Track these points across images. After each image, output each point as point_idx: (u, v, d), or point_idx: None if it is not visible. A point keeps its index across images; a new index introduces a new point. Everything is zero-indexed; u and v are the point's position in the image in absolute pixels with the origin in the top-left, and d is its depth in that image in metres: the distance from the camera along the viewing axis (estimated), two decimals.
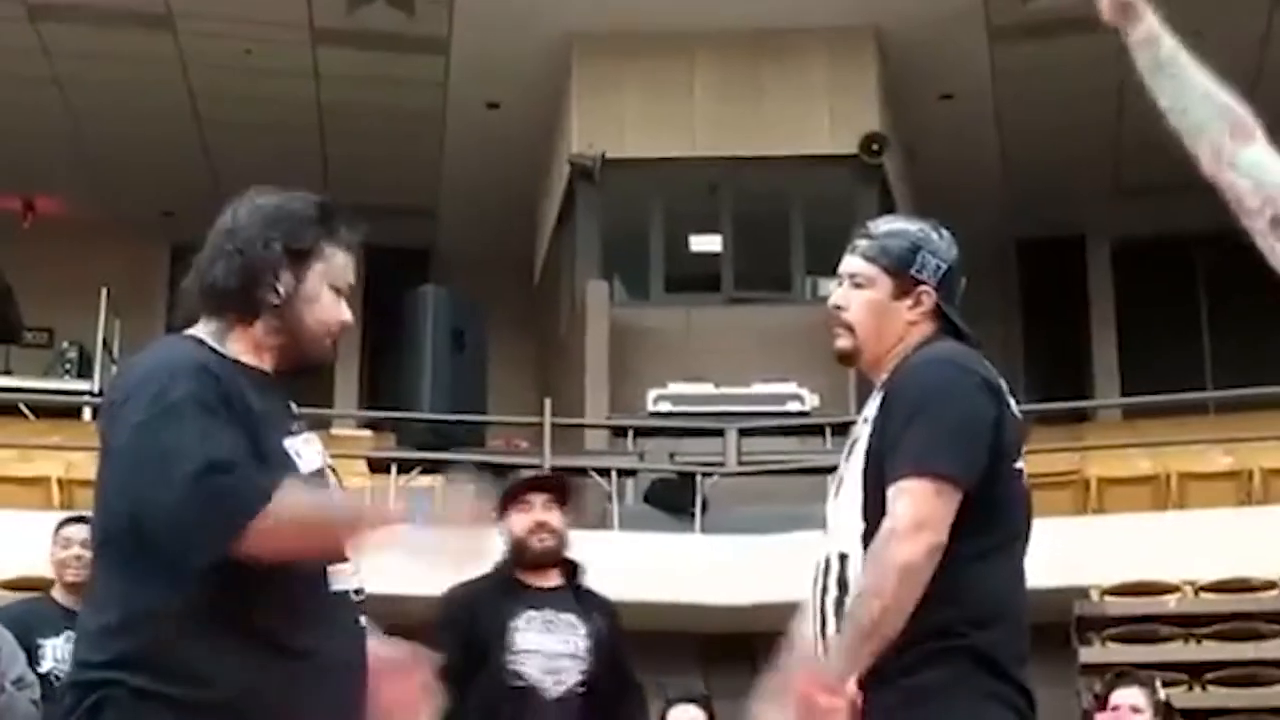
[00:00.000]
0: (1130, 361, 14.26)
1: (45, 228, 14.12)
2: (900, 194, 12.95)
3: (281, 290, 2.12)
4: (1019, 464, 2.36)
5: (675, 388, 11.10)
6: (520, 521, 3.89)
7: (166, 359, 2.11)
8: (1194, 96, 2.18)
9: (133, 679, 2.00)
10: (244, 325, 2.13)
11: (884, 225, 2.48)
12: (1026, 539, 2.37)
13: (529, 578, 3.89)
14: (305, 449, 2.15)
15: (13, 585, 8.59)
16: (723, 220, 12.62)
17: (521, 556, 3.90)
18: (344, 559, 2.11)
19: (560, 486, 3.97)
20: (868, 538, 2.29)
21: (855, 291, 2.43)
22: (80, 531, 4.91)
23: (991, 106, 13.06)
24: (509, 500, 3.91)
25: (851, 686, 2.20)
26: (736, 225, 12.58)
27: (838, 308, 2.44)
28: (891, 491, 2.25)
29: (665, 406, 10.94)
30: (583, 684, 3.76)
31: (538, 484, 3.98)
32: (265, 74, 12.59)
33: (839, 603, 2.31)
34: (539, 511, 3.90)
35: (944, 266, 2.42)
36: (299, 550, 2.02)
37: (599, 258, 12.29)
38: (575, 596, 3.92)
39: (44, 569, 8.67)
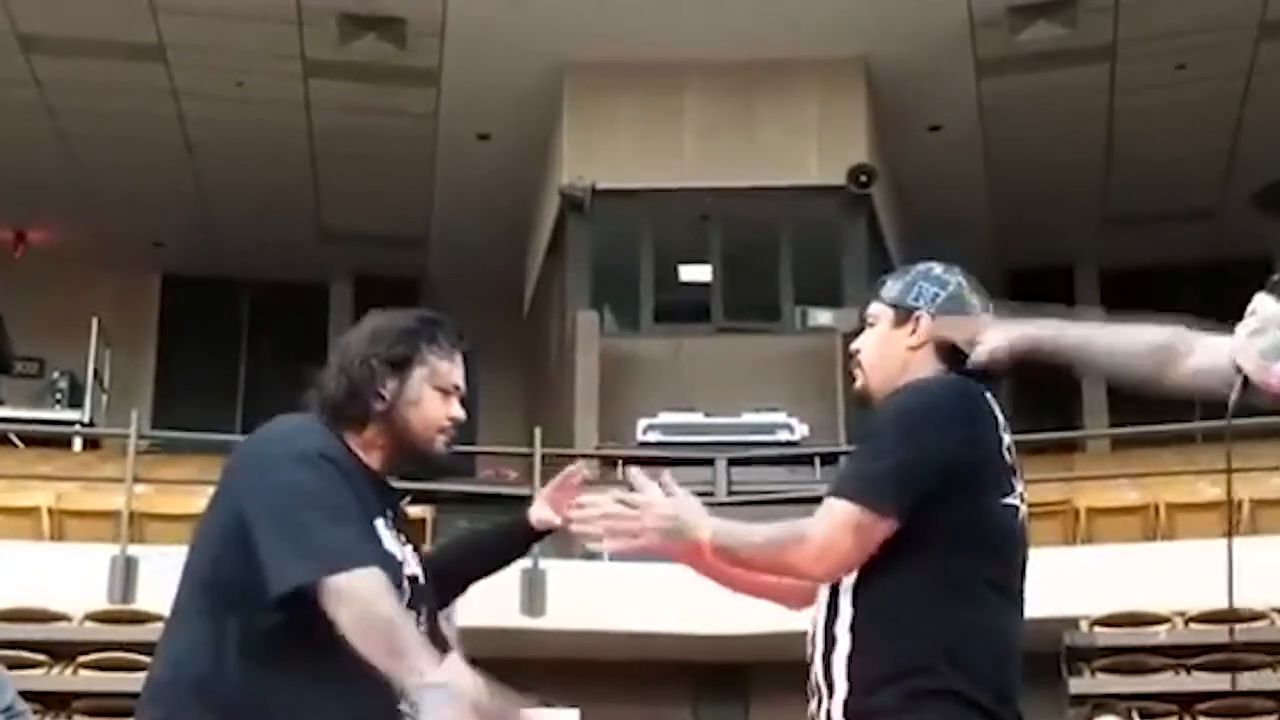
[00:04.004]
0: (1119, 391, 14.27)
1: (37, 258, 14.13)
2: (889, 225, 13.01)
3: (386, 396, 2.37)
4: (1011, 499, 2.36)
5: (665, 417, 11.12)
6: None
7: (296, 425, 2.36)
8: (1121, 361, 2.42)
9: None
10: (356, 430, 2.37)
11: (896, 272, 2.60)
12: (1022, 576, 2.37)
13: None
14: (389, 535, 2.35)
15: (3, 616, 8.58)
16: (712, 250, 12.66)
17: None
18: (382, 674, 2.19)
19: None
20: (867, 565, 2.31)
21: (867, 332, 2.54)
22: None
23: (980, 138, 13.14)
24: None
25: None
26: (726, 255, 12.62)
27: (852, 349, 2.56)
28: (825, 502, 2.33)
29: (655, 436, 10.96)
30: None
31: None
32: (257, 105, 12.63)
33: (829, 627, 2.33)
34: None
35: (941, 293, 2.50)
36: (357, 632, 2.13)
37: (589, 288, 12.31)
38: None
39: (34, 599, 8.72)
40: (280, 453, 2.27)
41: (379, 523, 2.32)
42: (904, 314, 2.49)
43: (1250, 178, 13.29)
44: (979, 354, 2.39)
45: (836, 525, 2.28)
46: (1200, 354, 2.36)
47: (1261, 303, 2.24)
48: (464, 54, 12.16)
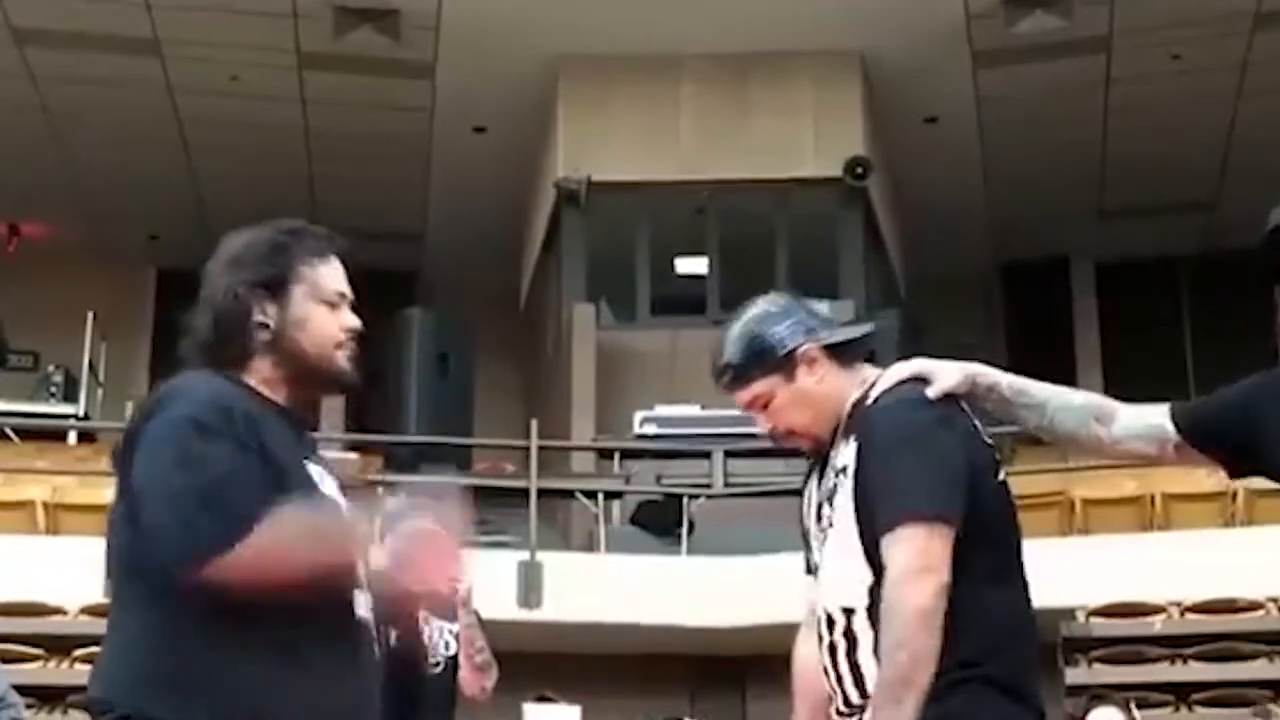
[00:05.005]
0: (1114, 382, 14.28)
1: (31, 252, 14.10)
2: (885, 217, 13.00)
3: (270, 324, 2.15)
4: (1001, 475, 2.38)
5: (661, 410, 11.11)
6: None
7: (182, 387, 2.14)
8: (1052, 413, 2.44)
9: (146, 707, 2.05)
10: (244, 368, 2.15)
11: (725, 354, 2.44)
12: (1020, 549, 2.39)
13: None
14: (322, 475, 2.20)
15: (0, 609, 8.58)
16: (708, 243, 12.65)
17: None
18: (336, 582, 2.11)
19: None
20: (877, 589, 2.29)
21: (768, 410, 2.43)
22: None
23: (975, 130, 13.13)
24: None
25: None
26: (722, 248, 12.62)
27: (772, 432, 2.45)
28: (886, 540, 2.25)
29: (651, 429, 10.95)
30: None
31: None
32: (252, 99, 12.61)
33: (851, 657, 2.32)
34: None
35: (789, 320, 2.42)
36: (284, 576, 2.00)
37: (585, 280, 12.31)
38: None
39: (29, 593, 8.72)
40: (160, 423, 2.05)
41: (310, 467, 2.16)
42: (787, 364, 2.40)
43: (1247, 170, 13.29)
44: (932, 392, 2.34)
45: (917, 541, 2.22)
46: (1124, 418, 2.44)
47: None
48: (459, 47, 12.14)
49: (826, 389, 2.41)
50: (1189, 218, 13.72)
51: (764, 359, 2.40)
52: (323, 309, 2.18)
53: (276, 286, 2.15)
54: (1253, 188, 13.56)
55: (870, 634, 2.29)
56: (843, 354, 2.43)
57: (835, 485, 2.38)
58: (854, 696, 2.32)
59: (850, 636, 2.31)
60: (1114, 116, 12.89)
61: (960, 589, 2.25)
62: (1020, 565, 2.38)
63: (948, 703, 2.23)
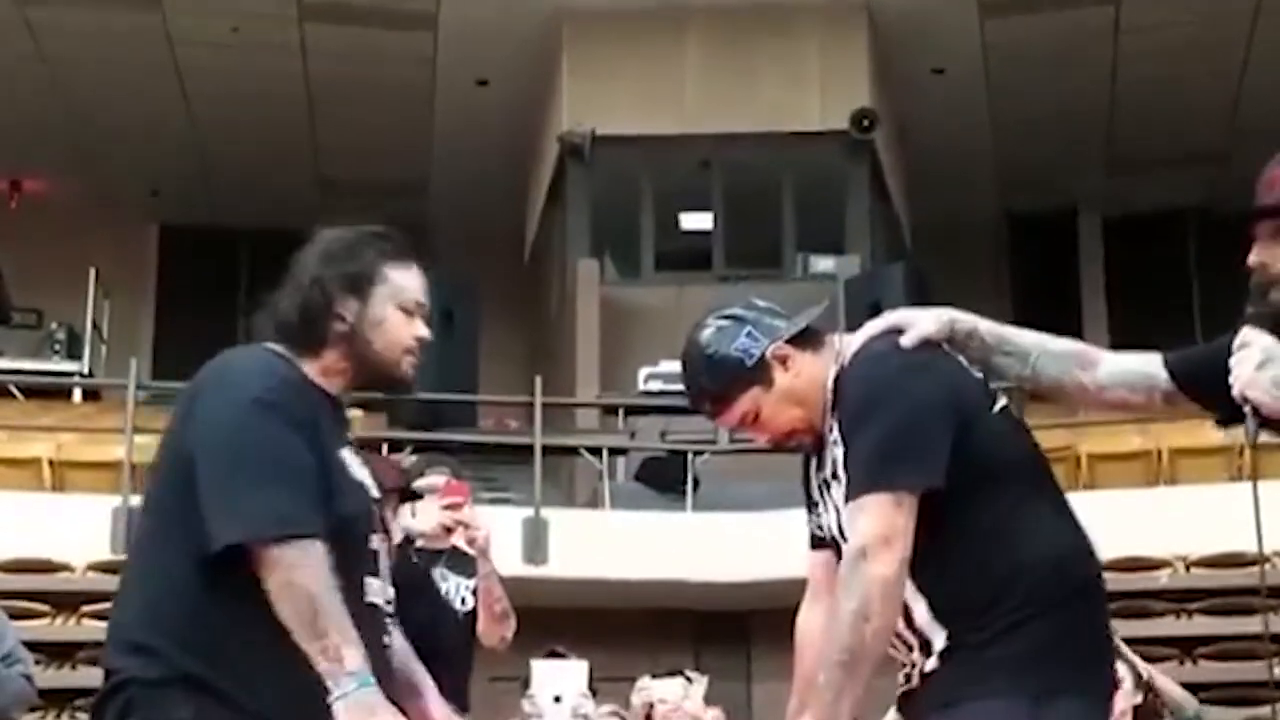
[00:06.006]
0: (1121, 335, 14.25)
1: (32, 208, 14.06)
2: (891, 170, 12.93)
3: (348, 318, 2.26)
4: (1000, 402, 2.34)
5: (666, 366, 11.07)
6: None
7: (252, 363, 2.26)
8: (1034, 361, 2.41)
9: (149, 669, 2.12)
10: (313, 354, 2.27)
11: (699, 385, 2.42)
12: (1047, 470, 2.35)
13: None
14: (354, 462, 2.29)
15: (6, 567, 8.60)
16: (714, 197, 12.59)
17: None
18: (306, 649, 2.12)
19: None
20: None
21: (759, 422, 2.41)
22: None
23: (983, 81, 13.03)
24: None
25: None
26: (727, 202, 12.56)
27: (772, 441, 2.43)
28: (850, 509, 2.24)
29: (656, 385, 10.93)
30: None
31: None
32: (253, 51, 12.52)
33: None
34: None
35: (746, 332, 2.39)
36: (278, 602, 2.08)
37: (589, 235, 12.26)
38: None
39: (36, 550, 8.73)
40: (230, 398, 2.16)
41: (344, 452, 2.25)
42: (760, 372, 2.37)
43: (1256, 121, 13.19)
44: (907, 340, 2.30)
45: (879, 511, 2.20)
46: (1109, 364, 2.41)
47: (1254, 336, 2.24)
48: None
49: (807, 379, 2.38)
50: (1198, 170, 13.63)
51: (737, 375, 2.38)
52: (400, 314, 2.29)
53: (361, 285, 2.27)
54: (1263, 140, 13.47)
55: (909, 582, 2.25)
56: (809, 339, 2.40)
57: (834, 456, 2.36)
58: (906, 637, 2.29)
59: None
60: (1123, 68, 12.78)
61: (983, 530, 2.23)
62: (1049, 489, 2.34)
63: (995, 649, 2.21)
